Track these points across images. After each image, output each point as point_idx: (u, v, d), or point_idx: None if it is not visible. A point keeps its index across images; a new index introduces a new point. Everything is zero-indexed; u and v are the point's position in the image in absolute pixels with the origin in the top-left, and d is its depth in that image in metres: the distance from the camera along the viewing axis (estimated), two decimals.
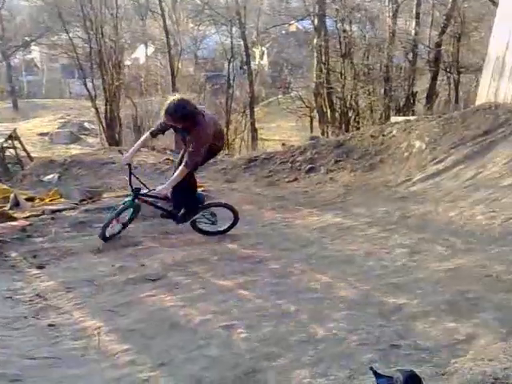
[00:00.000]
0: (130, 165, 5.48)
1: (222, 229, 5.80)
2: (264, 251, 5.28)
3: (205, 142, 5.05)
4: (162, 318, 3.87)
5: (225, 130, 21.75)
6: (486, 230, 5.53)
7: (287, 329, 3.72)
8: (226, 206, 5.85)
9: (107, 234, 5.48)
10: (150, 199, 5.52)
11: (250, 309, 4.02)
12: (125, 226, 5.63)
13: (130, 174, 5.38)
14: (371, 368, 2.91)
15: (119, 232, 5.63)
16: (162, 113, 5.13)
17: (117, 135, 22.08)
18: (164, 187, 5.20)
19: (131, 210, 5.54)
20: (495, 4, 9.67)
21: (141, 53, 30.75)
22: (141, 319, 3.87)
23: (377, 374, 2.82)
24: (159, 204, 5.63)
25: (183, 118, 4.99)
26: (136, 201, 5.46)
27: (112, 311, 4.02)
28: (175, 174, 5.26)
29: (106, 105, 22.10)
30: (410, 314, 3.94)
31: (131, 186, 5.41)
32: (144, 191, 5.44)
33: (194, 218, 5.59)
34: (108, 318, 3.92)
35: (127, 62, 27.30)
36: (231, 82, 24.43)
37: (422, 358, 3.28)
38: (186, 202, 5.45)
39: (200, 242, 5.56)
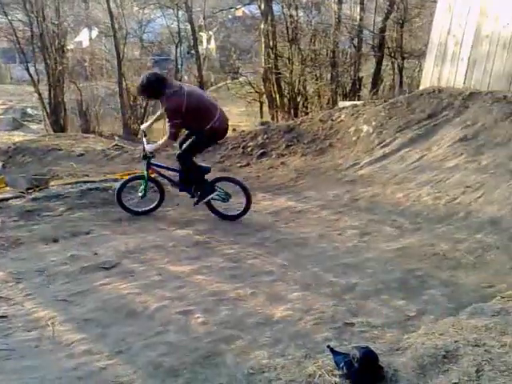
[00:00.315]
0: (145, 133, 6.17)
1: (235, 214, 5.82)
2: (219, 236, 5.30)
3: (171, 114, 5.26)
4: (117, 306, 3.84)
5: None
6: (432, 210, 5.77)
7: (244, 311, 3.78)
8: (234, 180, 5.95)
9: (125, 203, 5.83)
10: (163, 170, 5.84)
11: (207, 293, 4.05)
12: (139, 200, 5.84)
13: (144, 142, 5.78)
14: (328, 346, 3.00)
15: (143, 211, 5.88)
16: None
17: (61, 121, 21.36)
18: (150, 146, 5.62)
19: (143, 181, 5.76)
20: None
21: (84, 36, 29.75)
22: (96, 308, 3.82)
23: (334, 352, 2.91)
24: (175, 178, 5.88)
25: (147, 92, 5.50)
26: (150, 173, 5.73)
27: (65, 301, 3.94)
28: (160, 140, 5.64)
29: (49, 90, 21.28)
30: (362, 292, 4.09)
31: (144, 154, 5.68)
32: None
33: (211, 196, 5.71)
34: (62, 307, 3.85)
35: (71, 46, 26.33)
36: (179, 66, 24.10)
37: (375, 335, 3.41)
38: (194, 179, 5.69)
39: (153, 228, 5.51)
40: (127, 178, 6.02)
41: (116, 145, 9.79)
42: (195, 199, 5.74)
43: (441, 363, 2.73)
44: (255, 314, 3.76)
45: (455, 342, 2.89)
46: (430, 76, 8.80)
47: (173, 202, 6.29)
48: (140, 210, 5.88)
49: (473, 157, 6.57)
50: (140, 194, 5.81)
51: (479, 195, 5.80)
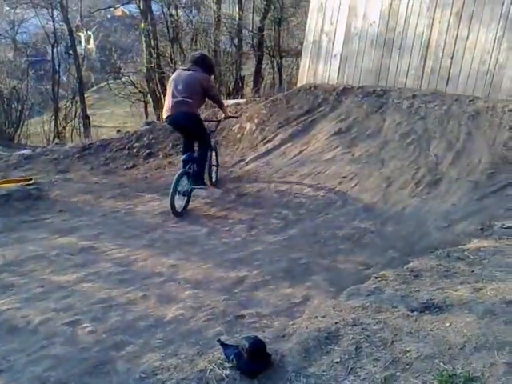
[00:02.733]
0: None
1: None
2: (106, 241, 5.15)
3: None
4: None
5: (53, 117, 20.37)
6: (312, 200, 6.08)
7: (135, 316, 3.73)
8: None
9: None
10: None
11: (95, 301, 3.94)
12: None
13: None
14: (219, 340, 3.06)
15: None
16: None
17: None
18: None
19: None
20: None
21: None
22: None
23: (224, 345, 2.98)
24: None
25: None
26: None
27: None
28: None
29: None
30: (251, 284, 4.23)
31: None
32: None
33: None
34: None
35: None
36: (56, 67, 22.92)
37: (264, 324, 3.55)
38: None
39: (34, 238, 5.22)
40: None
41: None
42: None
43: (324, 345, 2.90)
44: (146, 316, 3.73)
45: (336, 323, 3.08)
46: (306, 73, 9.17)
47: (55, 209, 6.02)
48: None
49: (347, 148, 6.99)
50: None
51: (354, 184, 6.22)
